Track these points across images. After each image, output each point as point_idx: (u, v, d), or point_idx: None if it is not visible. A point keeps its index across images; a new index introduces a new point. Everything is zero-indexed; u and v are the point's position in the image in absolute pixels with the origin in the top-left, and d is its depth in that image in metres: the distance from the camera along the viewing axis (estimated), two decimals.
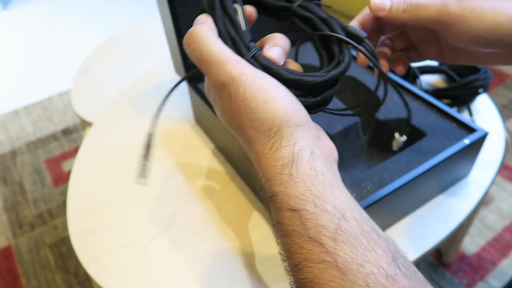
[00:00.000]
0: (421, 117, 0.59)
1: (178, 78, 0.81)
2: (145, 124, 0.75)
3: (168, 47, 0.69)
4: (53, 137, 1.60)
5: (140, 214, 0.61)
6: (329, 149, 0.33)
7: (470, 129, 0.56)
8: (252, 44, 0.33)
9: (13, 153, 1.54)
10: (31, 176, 1.44)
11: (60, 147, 1.55)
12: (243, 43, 0.33)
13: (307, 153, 0.28)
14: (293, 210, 0.27)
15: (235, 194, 0.62)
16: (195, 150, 0.70)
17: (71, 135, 1.60)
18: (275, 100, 0.29)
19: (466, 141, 0.54)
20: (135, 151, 0.69)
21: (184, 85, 0.78)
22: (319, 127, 0.34)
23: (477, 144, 0.56)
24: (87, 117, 0.89)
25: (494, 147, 0.67)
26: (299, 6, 0.36)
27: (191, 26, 0.33)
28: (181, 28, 0.62)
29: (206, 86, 0.34)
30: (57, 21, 2.37)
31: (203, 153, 0.69)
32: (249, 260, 0.54)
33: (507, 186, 1.30)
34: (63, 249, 1.21)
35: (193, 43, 0.31)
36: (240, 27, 0.34)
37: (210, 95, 0.34)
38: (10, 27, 2.35)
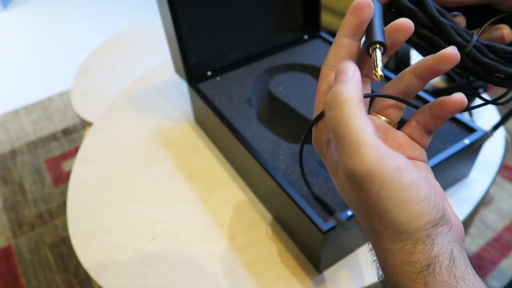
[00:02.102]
0: None
1: (178, 78, 0.81)
2: (144, 124, 0.75)
3: (168, 47, 0.69)
4: (53, 137, 1.60)
5: (140, 214, 0.61)
6: (460, 232, 0.29)
7: (470, 129, 0.56)
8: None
9: (13, 153, 1.54)
10: (31, 176, 1.44)
11: (60, 147, 1.55)
12: (459, 33, 0.30)
13: (446, 256, 0.25)
14: None
15: (235, 194, 0.62)
16: (195, 150, 0.70)
17: (71, 135, 1.60)
18: (414, 202, 0.25)
19: (466, 141, 0.54)
20: (135, 151, 0.70)
21: (184, 85, 0.79)
22: (447, 205, 0.30)
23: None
24: (87, 117, 0.89)
25: (494, 147, 0.67)
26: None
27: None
28: (181, 28, 0.62)
29: (330, 155, 0.30)
30: (57, 21, 2.37)
31: (203, 153, 0.69)
32: (249, 260, 0.54)
33: (507, 186, 1.30)
34: (63, 249, 1.21)
35: (334, 109, 0.26)
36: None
37: (333, 168, 0.29)
38: (10, 27, 2.35)
